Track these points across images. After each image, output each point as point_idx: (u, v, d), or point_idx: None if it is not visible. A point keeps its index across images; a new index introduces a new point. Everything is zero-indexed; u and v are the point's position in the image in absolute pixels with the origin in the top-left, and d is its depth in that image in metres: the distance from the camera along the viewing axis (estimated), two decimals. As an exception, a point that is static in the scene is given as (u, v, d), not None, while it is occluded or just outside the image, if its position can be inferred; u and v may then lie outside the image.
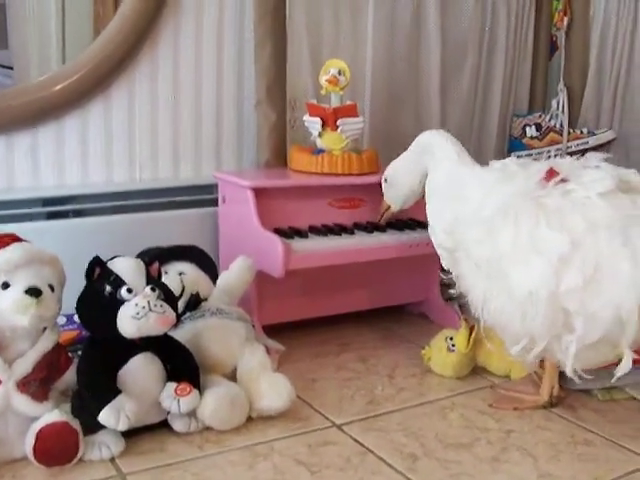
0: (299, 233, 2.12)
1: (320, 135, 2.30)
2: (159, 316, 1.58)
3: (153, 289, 1.62)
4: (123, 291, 1.59)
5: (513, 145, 2.84)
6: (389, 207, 2.13)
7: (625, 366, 1.57)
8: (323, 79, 2.27)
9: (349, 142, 2.30)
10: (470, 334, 2.01)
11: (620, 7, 2.76)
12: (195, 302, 1.88)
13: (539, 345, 1.64)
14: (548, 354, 1.68)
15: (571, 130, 2.82)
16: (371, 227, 2.23)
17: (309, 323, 2.31)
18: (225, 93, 2.43)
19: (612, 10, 2.79)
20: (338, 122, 2.26)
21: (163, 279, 1.75)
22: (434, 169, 1.91)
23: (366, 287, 2.38)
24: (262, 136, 2.37)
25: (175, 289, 1.81)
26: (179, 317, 1.73)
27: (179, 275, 1.90)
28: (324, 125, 2.28)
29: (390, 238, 2.19)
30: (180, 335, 1.75)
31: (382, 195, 2.13)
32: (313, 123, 2.30)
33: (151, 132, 2.34)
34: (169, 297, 1.67)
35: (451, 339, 2.04)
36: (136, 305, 1.57)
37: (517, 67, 2.86)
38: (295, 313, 2.27)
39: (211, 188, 2.40)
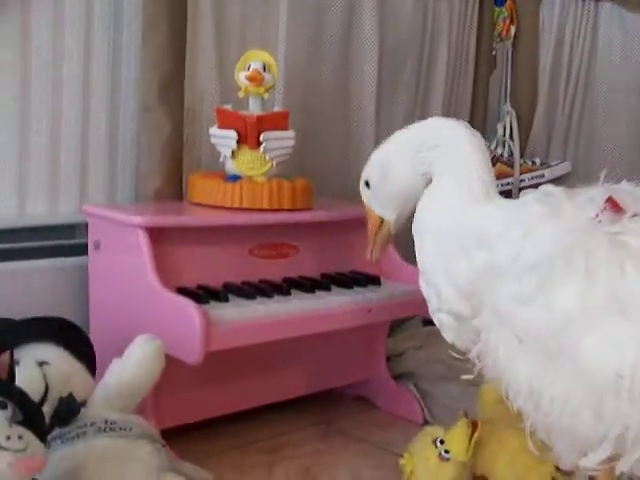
0: (215, 295, 1.45)
1: (233, 155, 1.64)
2: (18, 459, 0.88)
3: (2, 404, 0.92)
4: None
5: (453, 178, 2.29)
6: (382, 221, 1.42)
7: None
8: (241, 76, 1.62)
9: (274, 165, 1.65)
10: (472, 433, 1.40)
11: (577, 14, 2.30)
12: (69, 411, 1.18)
13: (632, 453, 1.08)
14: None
15: (522, 161, 2.31)
16: (310, 284, 1.58)
17: (216, 420, 1.62)
18: (93, 95, 1.73)
19: (568, 18, 2.33)
20: (261, 137, 1.61)
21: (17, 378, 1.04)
22: (442, 183, 1.31)
23: (292, 367, 1.73)
24: (152, 155, 1.69)
25: (34, 390, 1.13)
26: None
27: (39, 367, 1.19)
28: (240, 141, 1.62)
29: (343, 300, 1.57)
30: (47, 472, 1.04)
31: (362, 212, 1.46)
32: (224, 138, 1.64)
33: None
34: (32, 416, 0.96)
35: (442, 443, 1.42)
36: (-28, 439, 0.86)
37: (457, 85, 2.33)
38: (203, 410, 1.59)
39: (73, 230, 1.70)
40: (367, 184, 1.42)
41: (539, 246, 1.16)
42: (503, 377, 1.20)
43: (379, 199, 1.41)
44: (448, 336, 1.32)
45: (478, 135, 1.35)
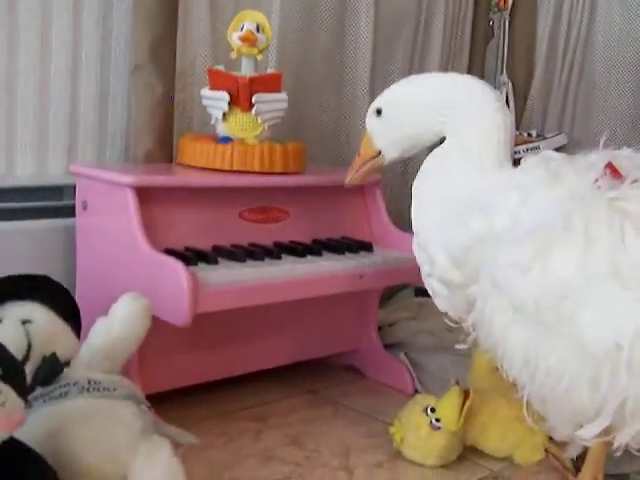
0: (204, 257, 1.42)
1: (225, 117, 1.60)
2: (-5, 412, 0.85)
3: (-19, 358, 0.89)
4: None
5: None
6: (379, 154, 1.37)
7: None
8: (234, 36, 1.59)
9: (266, 128, 1.62)
10: (464, 402, 1.38)
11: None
12: (51, 370, 1.14)
13: (631, 425, 1.06)
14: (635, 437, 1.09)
15: (517, 133, 2.28)
16: (301, 249, 1.56)
17: (202, 386, 1.60)
18: (83, 55, 1.68)
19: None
20: (254, 99, 1.58)
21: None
22: (451, 147, 1.28)
23: (282, 335, 1.70)
24: (141, 116, 1.65)
25: (17, 348, 1.10)
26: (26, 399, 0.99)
27: (22, 325, 1.16)
28: (232, 103, 1.59)
29: (334, 265, 1.54)
30: (27, 432, 1.00)
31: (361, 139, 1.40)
32: (216, 100, 1.60)
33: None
34: (11, 371, 0.93)
35: (432, 411, 1.41)
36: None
37: (453, 56, 2.29)
38: (189, 376, 1.56)
39: (60, 190, 1.66)
40: (379, 112, 1.34)
41: (537, 212, 1.13)
42: (498, 347, 1.18)
43: (387, 133, 1.35)
44: (440, 303, 1.29)
45: (503, 101, 1.30)
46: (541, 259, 1.09)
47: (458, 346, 1.26)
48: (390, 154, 1.36)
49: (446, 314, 1.29)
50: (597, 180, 1.14)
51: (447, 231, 1.22)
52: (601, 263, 1.05)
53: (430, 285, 1.29)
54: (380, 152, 1.36)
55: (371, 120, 1.36)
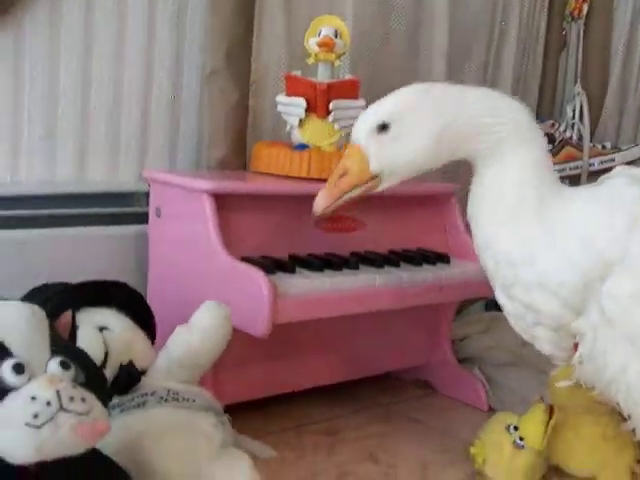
0: (281, 266, 1.38)
1: (300, 124, 1.57)
2: (79, 421, 0.82)
3: (65, 364, 0.87)
4: (6, 369, 0.84)
5: (519, 160, 2.20)
6: (375, 177, 1.12)
7: None
8: (312, 42, 1.56)
9: (343, 135, 1.58)
10: (549, 419, 1.32)
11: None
12: (129, 378, 1.12)
13: None
14: None
15: (592, 145, 2.21)
16: (379, 259, 1.51)
17: (271, 399, 1.56)
18: (156, 60, 1.66)
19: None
20: (331, 105, 1.54)
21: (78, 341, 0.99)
22: (511, 165, 1.09)
23: (354, 348, 1.66)
24: (216, 122, 1.62)
25: (94, 356, 1.04)
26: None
27: (99, 332, 1.13)
28: (308, 109, 1.55)
29: (414, 276, 1.49)
30: (105, 441, 0.96)
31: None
32: (292, 106, 1.57)
33: (46, 112, 1.55)
34: (95, 379, 0.90)
35: (515, 429, 1.35)
36: (33, 400, 0.81)
37: (526, 65, 2.24)
38: (261, 388, 1.52)
39: (131, 197, 1.63)
40: (383, 127, 1.09)
41: None
42: (613, 381, 1.07)
43: (394, 154, 1.09)
44: (545, 349, 1.16)
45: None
46: None
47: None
48: (391, 180, 1.12)
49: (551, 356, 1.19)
50: None
51: (551, 275, 1.07)
52: None
53: (532, 334, 1.15)
54: (376, 176, 1.12)
55: (369, 137, 1.10)
